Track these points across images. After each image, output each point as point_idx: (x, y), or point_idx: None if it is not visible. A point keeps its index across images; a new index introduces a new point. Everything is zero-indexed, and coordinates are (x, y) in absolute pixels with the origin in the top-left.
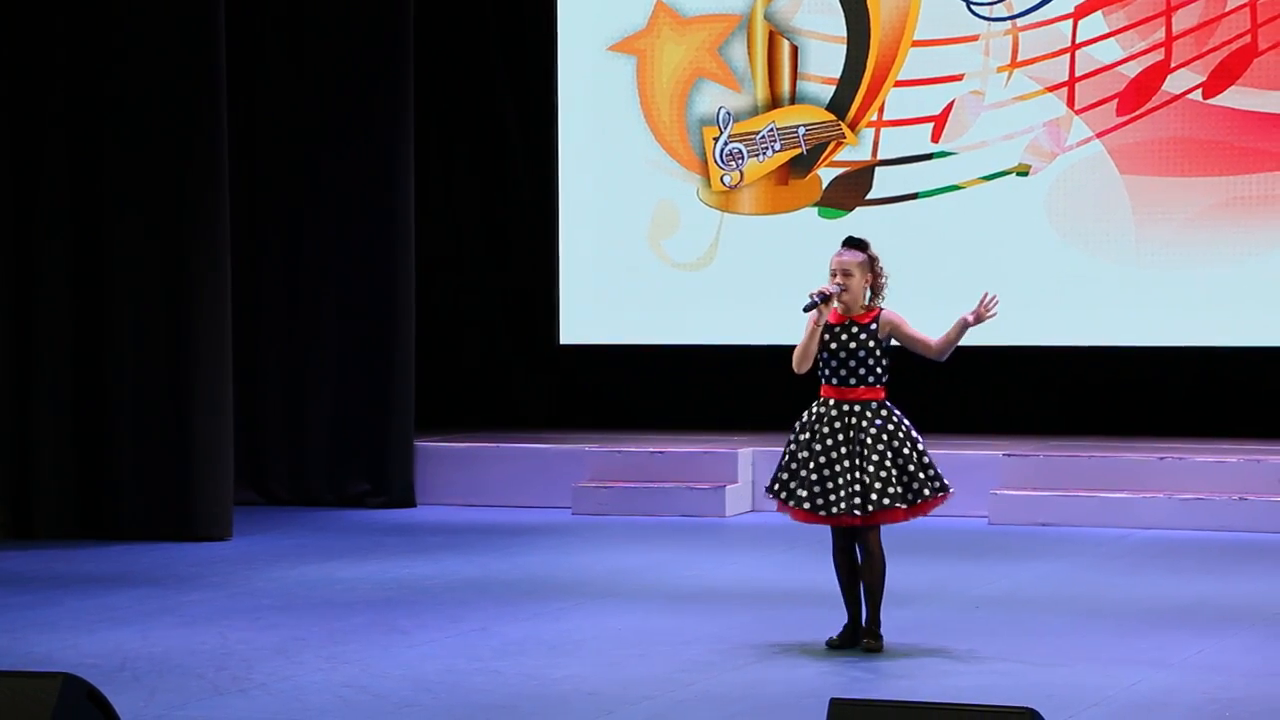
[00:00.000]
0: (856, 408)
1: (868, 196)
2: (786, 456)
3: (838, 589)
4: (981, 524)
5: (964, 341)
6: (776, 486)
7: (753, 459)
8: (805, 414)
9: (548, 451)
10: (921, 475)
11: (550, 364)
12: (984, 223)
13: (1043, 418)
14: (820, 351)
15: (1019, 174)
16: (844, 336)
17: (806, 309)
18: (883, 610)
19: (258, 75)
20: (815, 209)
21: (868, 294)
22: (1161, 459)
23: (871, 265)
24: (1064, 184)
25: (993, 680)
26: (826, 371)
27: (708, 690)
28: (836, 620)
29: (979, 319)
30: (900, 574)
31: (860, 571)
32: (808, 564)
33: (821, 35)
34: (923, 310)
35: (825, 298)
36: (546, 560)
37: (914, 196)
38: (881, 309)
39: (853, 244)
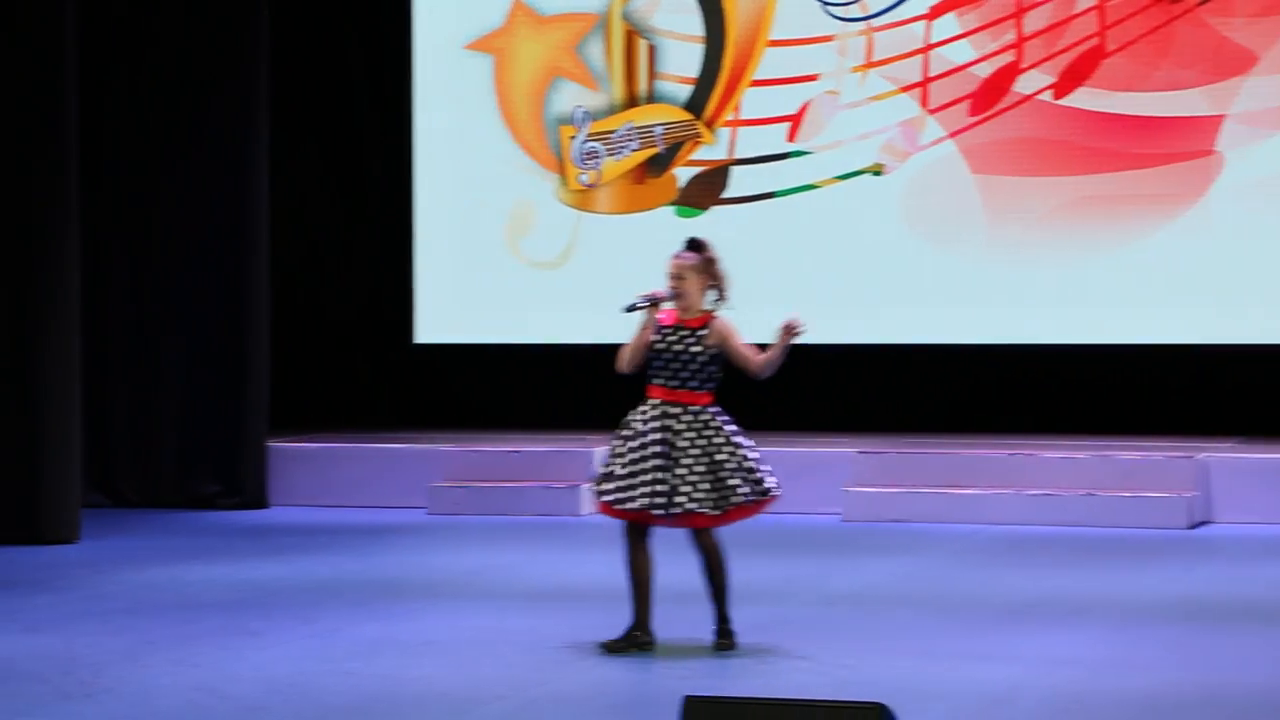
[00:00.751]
0: (677, 410)
1: (724, 195)
2: (609, 453)
3: (678, 587)
4: (834, 521)
5: (818, 340)
6: (597, 480)
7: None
8: (631, 415)
9: (403, 451)
10: (739, 479)
11: (406, 363)
12: (839, 221)
13: (896, 415)
14: (652, 351)
15: (873, 173)
16: (673, 339)
17: (628, 310)
18: (735, 607)
19: (108, 71)
20: (672, 208)
21: (708, 296)
22: (1011, 455)
23: (709, 267)
24: (918, 183)
25: (844, 676)
26: (653, 371)
27: (561, 690)
28: (692, 619)
29: (790, 338)
30: (753, 571)
31: (703, 573)
32: (662, 563)
33: (679, 35)
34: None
35: (654, 301)
36: (401, 560)
37: (770, 195)
38: (716, 317)
39: (692, 245)
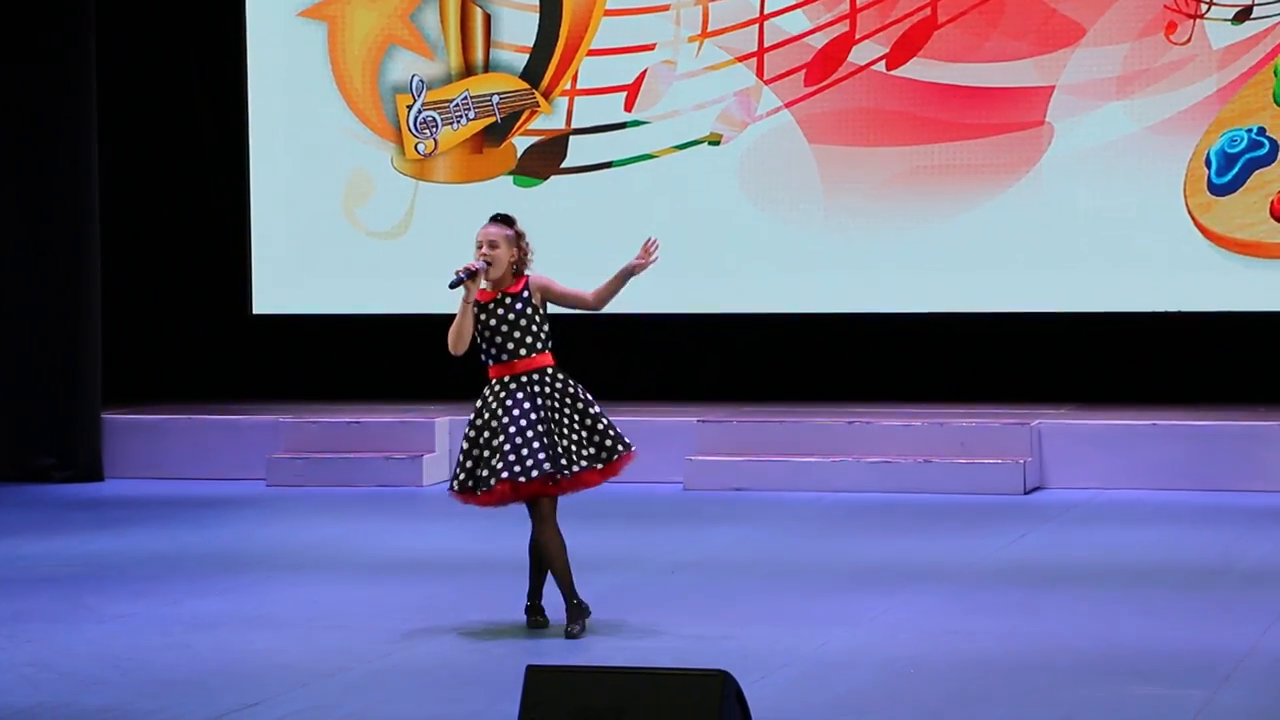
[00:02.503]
0: (534, 376)
1: (563, 165)
2: (465, 446)
3: (519, 558)
4: (676, 490)
5: (655, 309)
6: (470, 482)
7: (449, 428)
8: (479, 401)
9: (241, 423)
10: (611, 434)
11: (243, 334)
12: (677, 191)
13: (735, 384)
14: (479, 332)
15: (711, 143)
16: (500, 311)
17: (452, 285)
18: (578, 575)
19: None
20: (510, 177)
21: (514, 270)
22: (850, 424)
23: (518, 240)
24: (755, 153)
25: (687, 644)
26: (492, 351)
27: (404, 661)
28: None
29: (641, 267)
30: (595, 540)
31: (533, 547)
32: (506, 534)
33: (514, 4)
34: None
35: (471, 273)
36: (240, 533)
37: (608, 165)
38: (529, 275)
39: (500, 219)
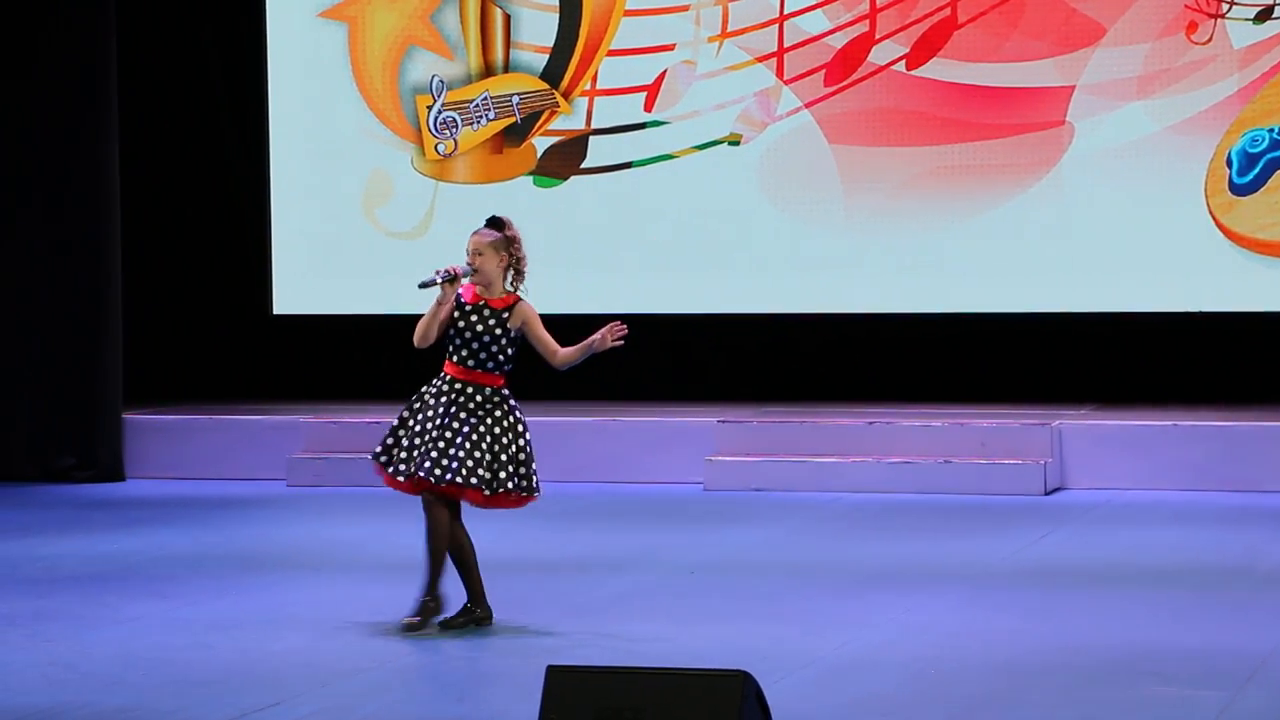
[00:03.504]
0: (470, 389)
1: (582, 165)
2: (396, 423)
3: (540, 558)
4: (697, 490)
5: (676, 309)
6: (385, 458)
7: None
8: (424, 387)
9: (261, 423)
10: (511, 469)
11: (263, 334)
12: (697, 191)
13: (756, 384)
14: (450, 327)
15: (730, 143)
16: (474, 318)
17: (422, 286)
18: (599, 575)
19: None
20: (530, 178)
21: (509, 276)
22: (871, 424)
23: (509, 245)
24: (774, 153)
25: (707, 644)
26: (451, 349)
27: (425, 661)
28: (551, 589)
29: (601, 346)
30: (615, 540)
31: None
32: (524, 534)
33: (534, 4)
34: (636, 277)
35: (451, 277)
36: (260, 533)
37: (628, 165)
38: (520, 300)
39: (492, 223)
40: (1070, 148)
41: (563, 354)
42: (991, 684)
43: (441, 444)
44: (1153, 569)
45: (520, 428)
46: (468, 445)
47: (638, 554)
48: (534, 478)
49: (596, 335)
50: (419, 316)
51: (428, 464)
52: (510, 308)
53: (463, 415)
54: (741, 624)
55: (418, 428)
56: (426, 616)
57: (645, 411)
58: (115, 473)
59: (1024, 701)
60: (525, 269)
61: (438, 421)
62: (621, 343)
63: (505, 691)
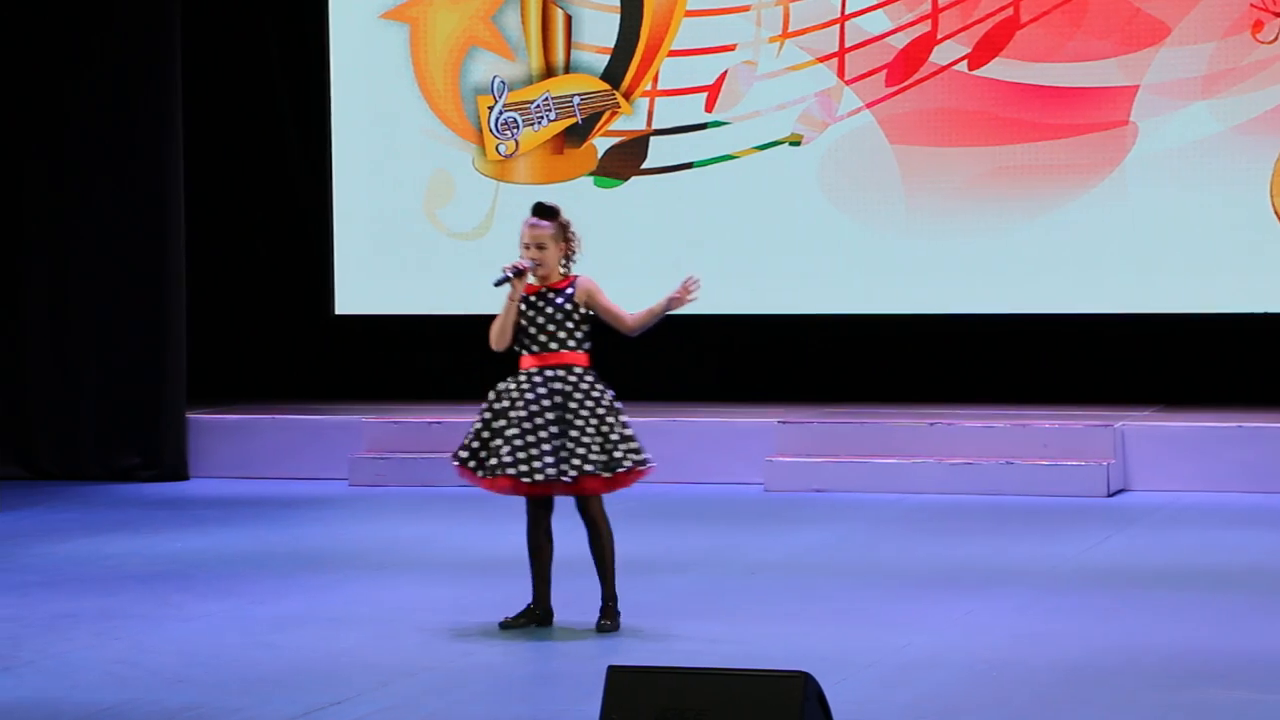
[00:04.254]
0: (560, 372)
1: (643, 166)
2: (479, 425)
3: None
4: (757, 491)
5: (737, 309)
6: (473, 462)
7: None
8: (501, 384)
9: (324, 423)
10: (623, 447)
11: (326, 334)
12: (757, 192)
13: (817, 385)
14: (518, 324)
15: (791, 144)
16: (540, 304)
17: (497, 284)
18: (659, 577)
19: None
20: (591, 178)
21: (562, 262)
22: (932, 425)
23: (564, 233)
24: (835, 154)
25: (768, 645)
26: (525, 341)
27: (486, 660)
28: (618, 589)
29: (679, 301)
30: (675, 541)
31: (591, 547)
32: (583, 534)
33: (595, 5)
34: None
35: (519, 273)
36: (323, 532)
37: (689, 166)
38: (577, 276)
39: (543, 212)
40: (1134, 148)
41: (634, 317)
42: (1053, 687)
43: (554, 441)
44: (1216, 572)
45: (615, 404)
46: (575, 433)
47: (698, 555)
48: (641, 449)
49: (671, 292)
50: (480, 317)
51: (538, 464)
52: (572, 284)
53: (559, 401)
54: (802, 625)
55: (511, 429)
56: (530, 622)
57: (706, 412)
58: (179, 472)
59: (1086, 704)
60: (576, 254)
61: (539, 419)
62: (696, 297)
63: (566, 692)
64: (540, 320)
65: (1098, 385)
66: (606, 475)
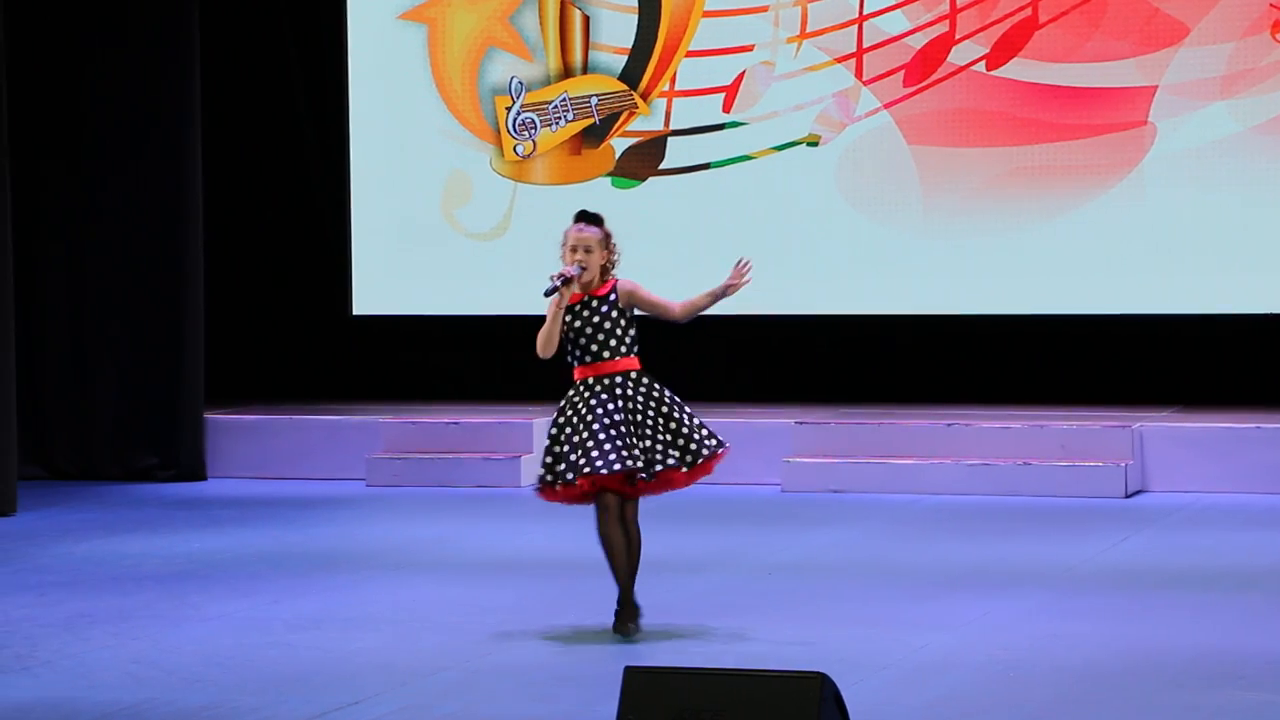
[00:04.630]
0: (618, 379)
1: (660, 166)
2: (549, 442)
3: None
4: (774, 491)
5: (753, 310)
6: (550, 477)
7: (548, 429)
8: (563, 402)
9: (341, 423)
10: (696, 437)
11: (343, 335)
12: (775, 192)
13: (834, 386)
14: (564, 334)
15: (809, 144)
16: (585, 313)
17: (547, 294)
18: (676, 577)
19: (41, 42)
20: (609, 179)
21: (603, 271)
22: (949, 426)
23: (607, 241)
24: (853, 154)
25: (784, 646)
26: (576, 353)
27: (503, 661)
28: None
29: (734, 287)
30: (692, 541)
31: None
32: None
33: (613, 5)
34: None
35: (566, 280)
36: (340, 533)
37: (706, 166)
38: (617, 279)
39: (589, 219)
40: (1152, 148)
41: (683, 305)
42: (1071, 688)
43: (631, 438)
44: (1235, 573)
45: (674, 397)
46: (650, 431)
47: (715, 555)
48: (715, 434)
49: (726, 278)
50: (498, 318)
51: (618, 464)
52: (614, 289)
53: (627, 405)
54: (819, 625)
55: (575, 436)
56: (628, 623)
57: (723, 412)
58: (197, 472)
59: (1104, 706)
60: (616, 265)
61: (606, 421)
62: (750, 279)
63: (583, 692)
64: (589, 331)
65: (1115, 386)
66: (685, 469)
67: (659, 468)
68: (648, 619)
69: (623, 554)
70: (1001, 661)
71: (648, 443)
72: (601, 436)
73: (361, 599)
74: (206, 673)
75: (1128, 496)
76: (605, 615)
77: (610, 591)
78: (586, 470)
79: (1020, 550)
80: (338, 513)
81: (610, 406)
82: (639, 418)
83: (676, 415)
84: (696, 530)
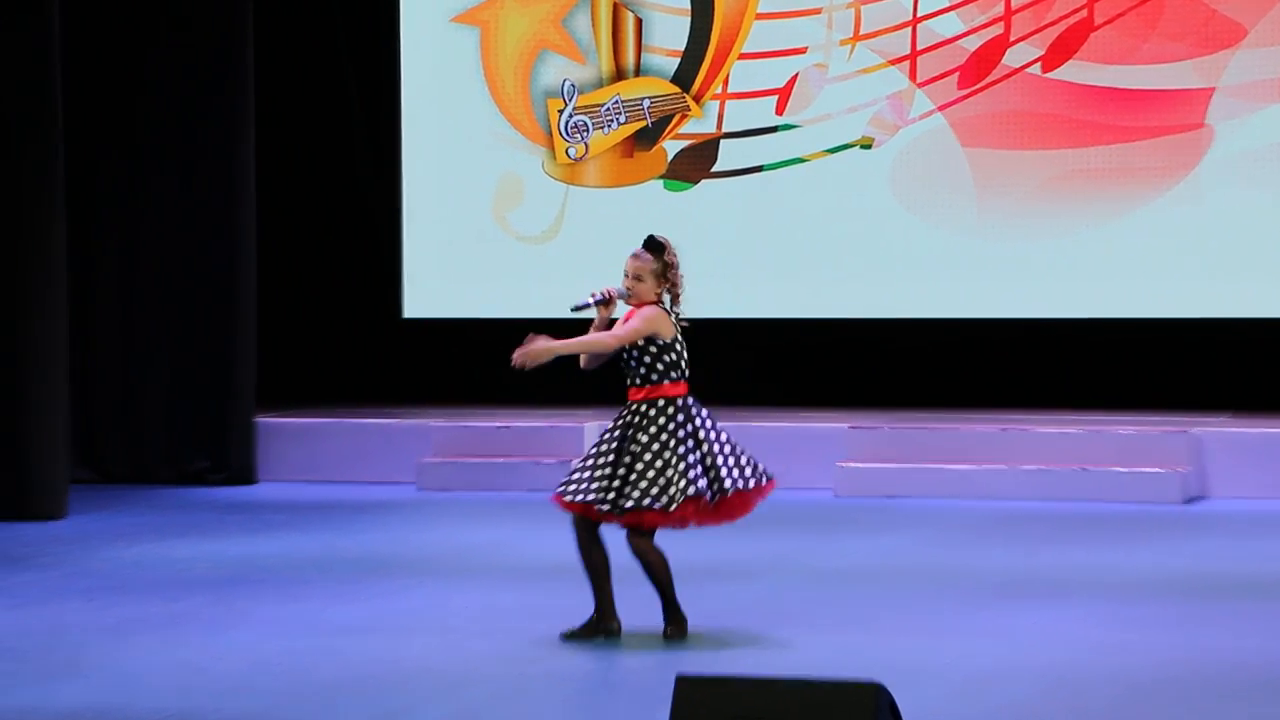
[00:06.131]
0: (642, 408)
1: (713, 169)
2: (600, 459)
3: (654, 571)
4: (826, 496)
5: (807, 314)
6: (596, 492)
7: (598, 433)
8: (618, 419)
9: (392, 427)
10: (638, 488)
11: (395, 338)
12: (828, 195)
13: (887, 390)
14: (621, 352)
15: (862, 147)
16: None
17: (574, 310)
18: (726, 584)
19: (96, 46)
20: (661, 181)
21: (664, 300)
22: (1004, 431)
23: (666, 271)
24: (907, 157)
25: (838, 655)
26: (628, 373)
27: (554, 668)
28: (679, 596)
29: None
30: (744, 548)
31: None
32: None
33: (665, 8)
34: (767, 281)
35: (605, 299)
36: (390, 538)
37: (759, 169)
38: (644, 305)
39: (651, 246)
40: (1209, 151)
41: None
42: (1129, 699)
43: (606, 469)
44: None
45: (702, 434)
46: (639, 467)
47: (767, 561)
48: (757, 464)
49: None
50: (548, 321)
51: (594, 495)
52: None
53: (639, 436)
54: (873, 633)
55: (593, 451)
56: (592, 634)
57: (775, 417)
58: (247, 476)
59: (1160, 716)
60: (681, 292)
61: (614, 446)
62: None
63: (634, 701)
64: (625, 356)
65: (1173, 390)
66: (658, 508)
67: (629, 504)
68: (702, 626)
69: (597, 570)
70: (1058, 672)
71: (625, 477)
72: (590, 462)
73: (411, 605)
74: (255, 680)
75: (1186, 503)
76: (655, 623)
77: (658, 599)
78: (559, 491)
79: (1077, 557)
80: (388, 517)
81: (629, 432)
82: (636, 449)
83: (721, 440)
84: (747, 536)
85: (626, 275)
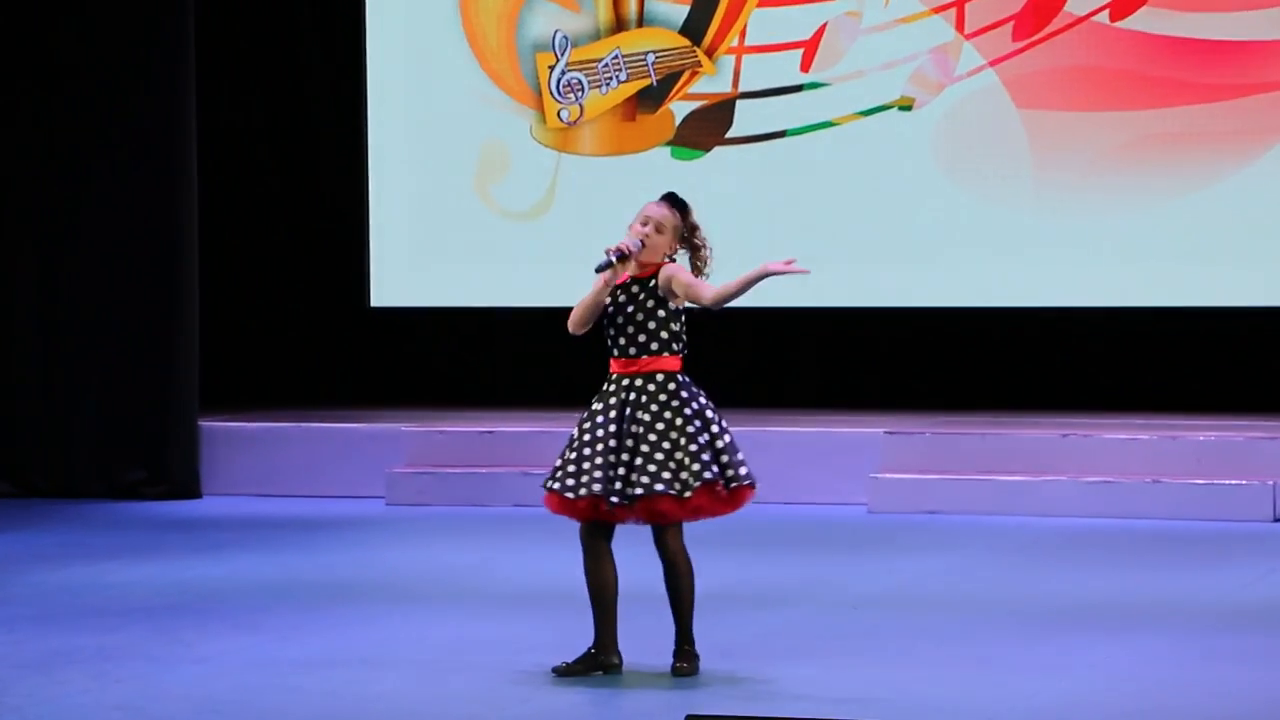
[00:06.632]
0: (638, 382)
1: (728, 135)
2: (566, 442)
3: (683, 580)
4: (860, 512)
5: (837, 301)
6: (546, 477)
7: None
8: (599, 400)
9: (357, 432)
10: (698, 465)
11: (360, 331)
12: (861, 165)
13: (930, 390)
14: (603, 319)
15: (901, 108)
16: (623, 298)
17: (599, 269)
18: (746, 611)
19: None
20: (668, 149)
21: (668, 258)
22: (1065, 437)
23: (691, 234)
24: (952, 120)
25: (868, 691)
26: (610, 342)
27: (544, 707)
28: (697, 627)
29: (779, 272)
30: (764, 570)
31: (666, 584)
32: (651, 565)
33: None
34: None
35: (623, 256)
36: (356, 558)
37: (781, 135)
38: (666, 261)
39: (673, 200)
40: None
41: (715, 291)
42: None
43: (610, 456)
44: None
45: (708, 413)
46: (645, 450)
47: (790, 586)
48: (740, 469)
49: (771, 264)
50: (539, 310)
51: (602, 483)
52: (656, 272)
53: (639, 415)
54: (912, 669)
55: (587, 438)
56: (589, 669)
57: (801, 421)
58: (190, 489)
59: None
60: (707, 262)
61: (611, 429)
62: (796, 270)
63: None
64: (621, 319)
65: (1261, 390)
66: (681, 494)
67: (631, 498)
68: (715, 659)
69: (597, 591)
70: (1123, 714)
71: (632, 464)
72: (582, 453)
73: (381, 636)
74: None
75: (1276, 520)
76: (657, 655)
77: (664, 627)
78: (554, 487)
79: (1148, 582)
80: (353, 535)
81: (628, 412)
82: (639, 434)
83: (689, 432)
84: (769, 557)
85: (645, 223)
